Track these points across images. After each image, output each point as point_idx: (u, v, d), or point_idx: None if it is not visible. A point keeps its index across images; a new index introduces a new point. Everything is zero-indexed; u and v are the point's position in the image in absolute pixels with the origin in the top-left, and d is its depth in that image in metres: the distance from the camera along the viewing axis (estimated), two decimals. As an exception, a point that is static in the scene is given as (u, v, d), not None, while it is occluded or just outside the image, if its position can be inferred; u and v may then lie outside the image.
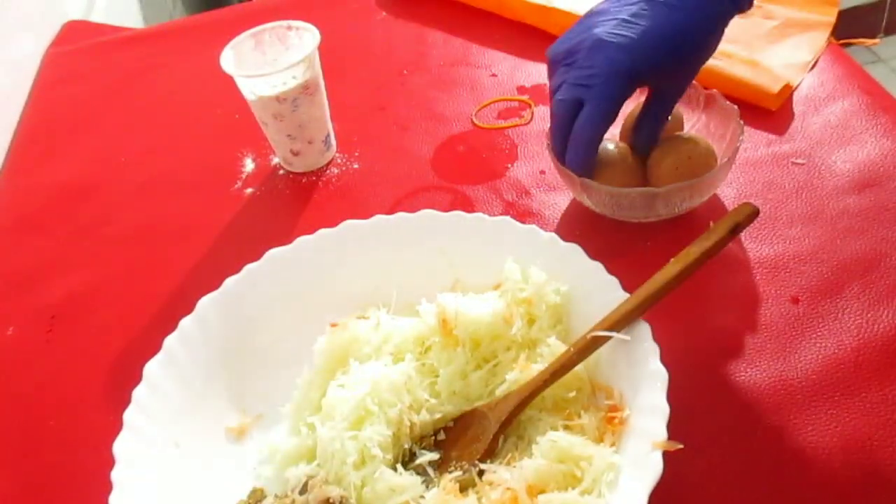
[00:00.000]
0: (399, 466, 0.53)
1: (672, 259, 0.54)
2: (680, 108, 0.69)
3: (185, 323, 0.59)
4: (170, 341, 0.58)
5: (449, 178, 0.78)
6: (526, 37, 0.93)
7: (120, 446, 0.52)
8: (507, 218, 0.61)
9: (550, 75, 0.63)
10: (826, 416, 0.54)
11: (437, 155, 0.81)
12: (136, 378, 0.55)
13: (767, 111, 0.77)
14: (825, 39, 0.82)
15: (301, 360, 0.60)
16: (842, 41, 0.85)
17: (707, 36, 0.59)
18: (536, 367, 0.54)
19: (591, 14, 0.61)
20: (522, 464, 0.50)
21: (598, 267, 0.56)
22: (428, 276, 0.62)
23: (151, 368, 0.56)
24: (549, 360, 0.53)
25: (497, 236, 0.61)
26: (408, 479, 0.52)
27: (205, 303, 0.60)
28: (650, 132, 0.65)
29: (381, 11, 1.04)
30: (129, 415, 0.53)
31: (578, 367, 0.53)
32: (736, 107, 0.68)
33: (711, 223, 0.55)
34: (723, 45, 0.76)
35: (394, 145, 0.83)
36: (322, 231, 0.64)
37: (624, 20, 0.58)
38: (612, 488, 0.47)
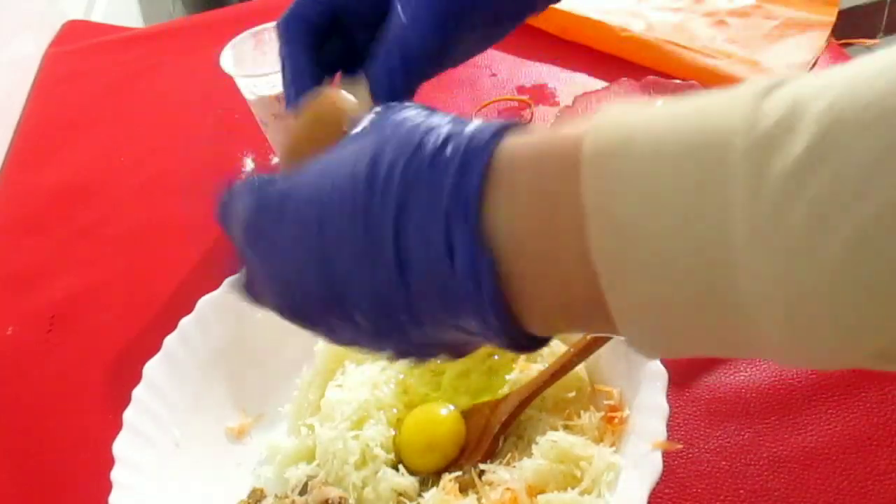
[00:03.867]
0: (400, 466, 0.53)
1: (672, 259, 0.53)
2: None
3: (185, 323, 0.59)
4: (170, 341, 0.58)
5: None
6: (526, 37, 0.93)
7: (120, 446, 0.52)
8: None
9: None
10: (826, 416, 0.54)
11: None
12: (136, 378, 0.55)
13: (767, 111, 0.77)
14: (825, 39, 0.82)
15: (301, 360, 0.60)
16: (842, 41, 0.85)
17: None
18: (536, 368, 0.54)
19: None
20: (522, 464, 0.50)
21: (598, 267, 0.56)
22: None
23: (151, 368, 0.56)
24: (549, 361, 0.53)
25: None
26: (408, 480, 0.52)
27: (205, 303, 0.60)
28: None
29: (381, 11, 1.03)
30: (129, 415, 0.53)
31: (578, 368, 0.53)
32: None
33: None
34: (723, 46, 0.76)
35: (394, 145, 0.83)
36: (322, 231, 0.64)
37: None
38: (612, 488, 0.47)
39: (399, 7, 0.42)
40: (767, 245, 0.22)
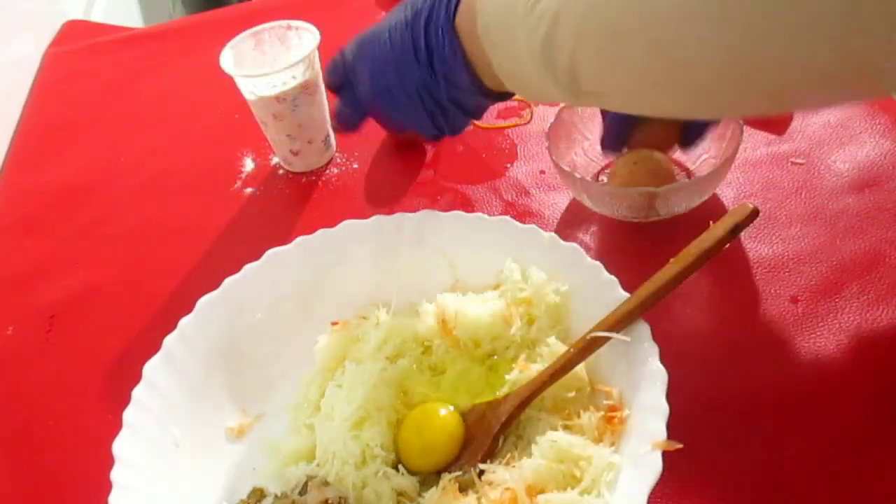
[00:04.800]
0: (400, 466, 0.53)
1: (672, 259, 0.54)
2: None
3: (185, 323, 0.59)
4: (170, 341, 0.58)
5: (449, 178, 0.78)
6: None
7: (120, 446, 0.52)
8: (507, 218, 0.61)
9: None
10: (825, 415, 0.54)
11: (437, 155, 0.81)
12: (136, 378, 0.55)
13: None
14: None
15: (301, 360, 0.60)
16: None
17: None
18: (536, 368, 0.54)
19: None
20: (522, 464, 0.50)
21: (598, 267, 0.56)
22: (428, 276, 0.62)
23: (151, 368, 0.56)
24: (549, 361, 0.54)
25: (497, 236, 0.61)
26: (408, 480, 0.52)
27: (205, 303, 0.60)
28: None
29: (380, 11, 1.04)
30: (128, 415, 0.53)
31: (578, 367, 0.53)
32: (736, 107, 0.68)
33: (711, 223, 0.55)
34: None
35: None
36: (322, 231, 0.64)
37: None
38: (612, 488, 0.47)
39: None
40: (523, 20, 0.48)
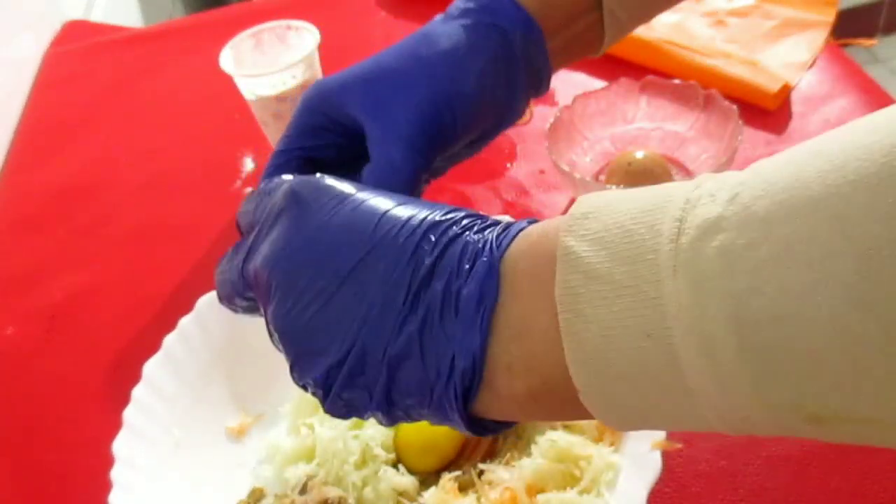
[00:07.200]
0: (400, 466, 0.53)
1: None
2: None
3: (185, 322, 0.59)
4: (170, 341, 0.58)
5: (448, 178, 0.78)
6: (525, 37, 0.93)
7: (119, 446, 0.52)
8: (507, 217, 0.61)
9: None
10: (825, 415, 0.54)
11: (437, 155, 0.81)
12: (136, 378, 0.55)
13: (766, 111, 0.77)
14: (824, 39, 0.82)
15: (301, 360, 0.60)
16: (840, 41, 0.85)
17: None
18: (536, 367, 0.54)
19: None
20: (521, 463, 0.50)
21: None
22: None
23: (151, 368, 0.56)
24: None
25: (496, 236, 0.61)
26: (408, 479, 0.52)
27: (205, 302, 0.60)
28: None
29: (381, 11, 1.04)
30: (128, 414, 0.53)
31: (578, 367, 0.53)
32: (735, 106, 0.68)
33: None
34: (722, 45, 0.76)
35: (393, 145, 0.83)
36: (322, 231, 0.64)
37: None
38: (611, 488, 0.47)
39: (375, 152, 0.47)
40: (685, 277, 0.25)
